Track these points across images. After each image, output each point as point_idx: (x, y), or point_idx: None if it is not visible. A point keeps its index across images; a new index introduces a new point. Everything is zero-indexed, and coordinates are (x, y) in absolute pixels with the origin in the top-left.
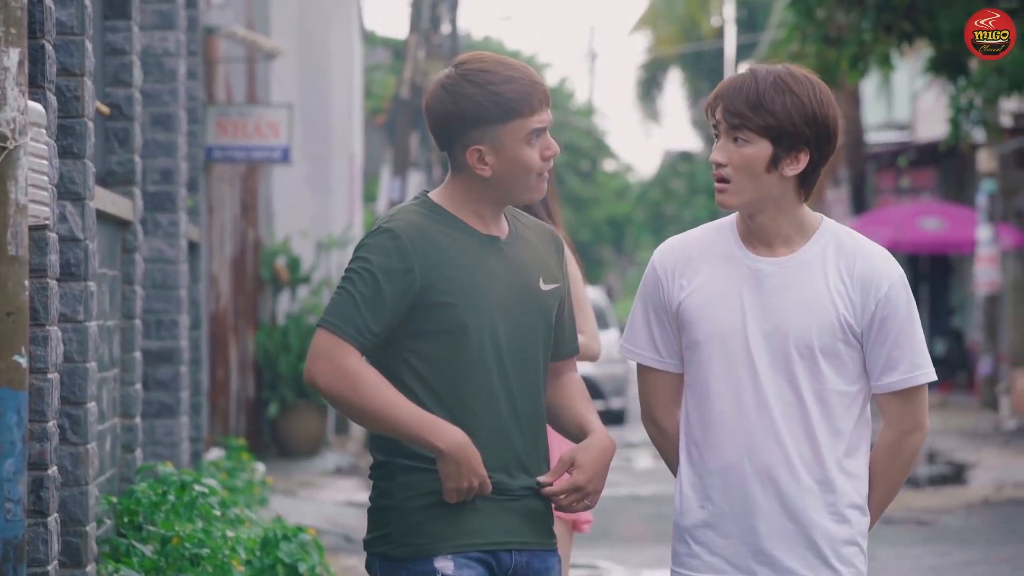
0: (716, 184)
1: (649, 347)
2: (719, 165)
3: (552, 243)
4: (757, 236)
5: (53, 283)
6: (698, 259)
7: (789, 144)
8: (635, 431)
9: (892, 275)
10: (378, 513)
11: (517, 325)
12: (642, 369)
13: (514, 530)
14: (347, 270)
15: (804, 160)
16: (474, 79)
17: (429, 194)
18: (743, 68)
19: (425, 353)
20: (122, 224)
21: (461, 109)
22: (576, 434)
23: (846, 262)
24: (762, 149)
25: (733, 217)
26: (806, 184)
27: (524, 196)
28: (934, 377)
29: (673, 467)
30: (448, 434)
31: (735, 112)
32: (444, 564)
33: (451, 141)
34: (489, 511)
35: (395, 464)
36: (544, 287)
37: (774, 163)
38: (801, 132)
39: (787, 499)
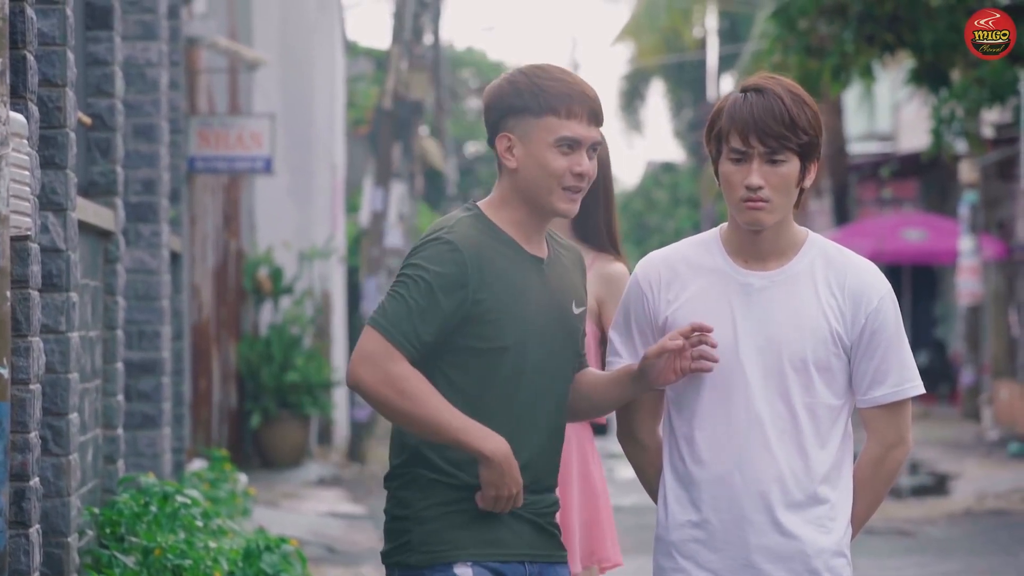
0: (752, 204)
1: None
2: (758, 188)
3: (581, 266)
4: (754, 251)
5: (35, 294)
6: (684, 273)
7: (810, 156)
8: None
9: (881, 289)
10: (395, 523)
11: (551, 348)
12: None
13: (528, 542)
14: (402, 275)
15: (814, 170)
16: (528, 72)
17: (479, 204)
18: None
19: (462, 368)
20: (104, 235)
21: (505, 94)
22: (616, 383)
23: (836, 276)
24: (794, 166)
25: (715, 231)
26: (801, 195)
27: (547, 203)
28: (922, 390)
29: (651, 483)
30: (495, 441)
31: (775, 135)
32: (463, 571)
33: (494, 130)
34: (505, 522)
35: (414, 474)
36: (576, 311)
37: (800, 177)
38: (818, 143)
39: (778, 512)
